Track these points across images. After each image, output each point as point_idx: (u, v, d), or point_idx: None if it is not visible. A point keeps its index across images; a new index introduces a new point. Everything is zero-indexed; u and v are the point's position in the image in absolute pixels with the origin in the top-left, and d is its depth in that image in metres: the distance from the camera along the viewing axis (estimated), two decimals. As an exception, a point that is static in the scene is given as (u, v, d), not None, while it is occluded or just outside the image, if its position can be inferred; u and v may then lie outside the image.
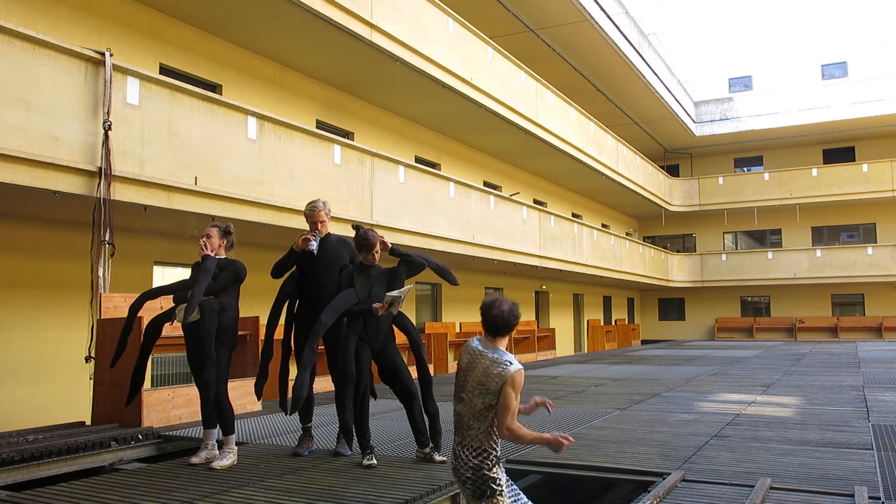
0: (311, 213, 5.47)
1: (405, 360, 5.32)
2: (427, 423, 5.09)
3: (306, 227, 5.60)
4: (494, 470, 2.91)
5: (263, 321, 6.07)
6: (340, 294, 4.92)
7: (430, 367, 13.22)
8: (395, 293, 4.96)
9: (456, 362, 5.53)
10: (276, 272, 5.48)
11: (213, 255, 5.10)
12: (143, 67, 7.62)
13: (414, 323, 14.59)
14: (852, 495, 4.02)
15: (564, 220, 18.58)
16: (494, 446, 2.93)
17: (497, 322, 2.98)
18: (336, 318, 4.83)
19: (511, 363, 2.88)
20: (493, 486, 2.89)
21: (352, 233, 5.31)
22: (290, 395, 5.77)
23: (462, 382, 2.99)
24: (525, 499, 3.03)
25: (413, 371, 5.23)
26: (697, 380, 11.36)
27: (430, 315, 16.52)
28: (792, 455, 5.23)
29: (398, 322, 5.29)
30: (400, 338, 5.50)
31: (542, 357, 18.44)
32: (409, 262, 5.14)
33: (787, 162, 29.76)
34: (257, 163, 8.77)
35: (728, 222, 29.88)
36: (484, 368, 2.91)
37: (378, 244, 5.13)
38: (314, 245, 5.28)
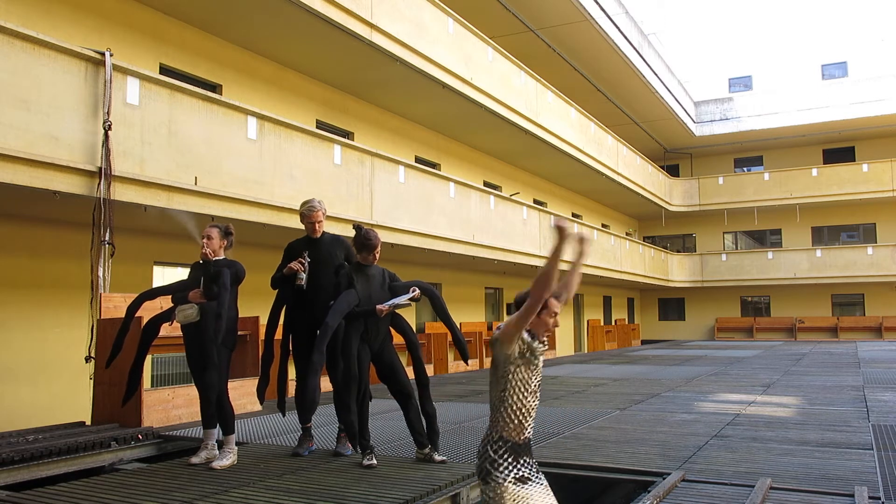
0: (309, 212, 5.43)
1: (402, 360, 5.32)
2: (425, 424, 5.09)
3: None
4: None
5: (263, 321, 6.07)
6: (342, 295, 4.91)
7: (430, 368, 13.25)
8: (404, 302, 4.96)
9: (456, 362, 5.57)
10: (274, 285, 5.49)
11: (213, 256, 5.09)
12: (143, 67, 7.62)
13: (415, 323, 14.48)
14: (852, 495, 4.02)
15: (564, 220, 18.55)
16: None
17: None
18: (340, 319, 4.82)
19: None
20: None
21: (346, 232, 5.30)
22: (289, 395, 5.78)
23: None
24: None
25: (410, 372, 5.23)
26: (697, 380, 11.36)
27: (431, 315, 16.52)
28: (792, 455, 5.23)
29: (396, 323, 5.28)
30: (397, 338, 5.49)
31: (542, 357, 18.41)
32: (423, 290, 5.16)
33: (787, 162, 29.76)
34: (257, 163, 8.77)
35: (728, 222, 29.89)
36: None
37: (380, 245, 5.12)
38: (303, 278, 5.24)
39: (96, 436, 5.94)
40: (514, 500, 2.69)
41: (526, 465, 2.77)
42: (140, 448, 6.09)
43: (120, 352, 5.28)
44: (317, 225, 5.43)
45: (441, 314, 5.25)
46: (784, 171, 28.38)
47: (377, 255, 5.13)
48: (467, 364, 6.04)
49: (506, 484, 2.70)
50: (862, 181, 26.79)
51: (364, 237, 5.05)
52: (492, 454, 2.75)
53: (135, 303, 5.24)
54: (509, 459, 2.74)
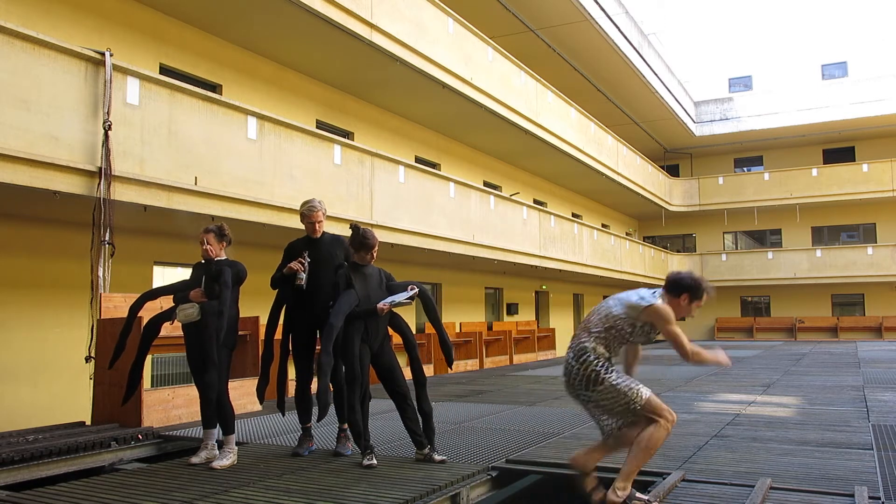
0: (310, 212, 5.44)
1: (399, 360, 5.32)
2: (422, 422, 5.09)
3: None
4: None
5: (263, 321, 6.07)
6: (343, 296, 4.91)
7: (430, 368, 13.24)
8: (404, 300, 4.97)
9: (456, 362, 5.74)
10: (274, 285, 5.49)
11: (215, 258, 5.11)
12: (143, 67, 7.63)
13: (414, 323, 14.39)
14: (852, 495, 4.02)
15: (564, 220, 18.58)
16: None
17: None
18: (343, 319, 4.83)
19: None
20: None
21: (346, 232, 5.30)
22: (288, 395, 5.78)
23: None
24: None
25: (408, 372, 5.23)
26: (697, 380, 11.36)
27: (430, 315, 16.51)
28: (792, 455, 5.22)
29: (394, 323, 5.29)
30: (395, 339, 5.50)
31: (542, 357, 18.44)
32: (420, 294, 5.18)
33: (787, 162, 29.76)
34: (257, 163, 8.77)
35: (728, 222, 29.89)
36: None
37: (377, 245, 5.13)
38: (303, 278, 5.25)
39: (96, 436, 5.94)
40: (613, 381, 3.84)
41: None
42: (140, 448, 6.09)
43: (123, 352, 5.29)
44: (317, 225, 5.45)
45: (430, 315, 5.26)
46: (784, 171, 28.38)
47: (374, 255, 5.14)
48: (450, 368, 6.04)
49: (606, 375, 3.86)
50: (862, 181, 26.79)
51: (361, 237, 5.06)
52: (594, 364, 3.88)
53: (137, 303, 5.23)
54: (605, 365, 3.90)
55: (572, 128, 18.94)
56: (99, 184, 6.80)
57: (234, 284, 5.09)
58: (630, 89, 23.14)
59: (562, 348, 21.48)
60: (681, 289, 3.89)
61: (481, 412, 7.69)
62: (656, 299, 3.89)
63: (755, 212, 28.97)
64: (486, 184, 17.79)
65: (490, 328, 17.79)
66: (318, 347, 5.14)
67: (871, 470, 4.69)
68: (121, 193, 7.02)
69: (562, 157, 18.87)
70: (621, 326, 3.95)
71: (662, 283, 4.08)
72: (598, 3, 18.17)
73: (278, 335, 5.51)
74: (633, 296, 3.98)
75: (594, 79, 21.71)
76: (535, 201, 20.29)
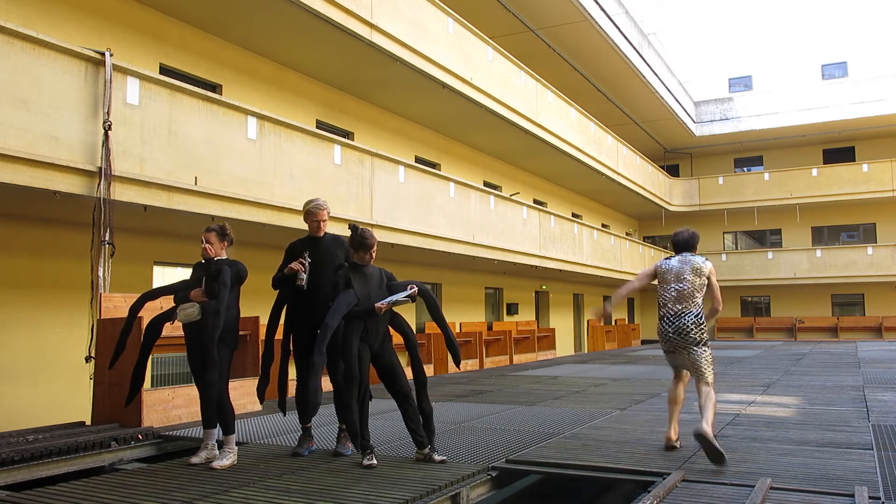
0: (316, 210, 5.46)
1: (400, 359, 5.31)
2: (421, 423, 5.09)
3: (305, 227, 5.59)
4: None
5: (263, 321, 6.07)
6: (341, 295, 4.91)
7: (430, 368, 13.24)
8: (402, 299, 4.97)
9: (455, 363, 5.86)
10: (275, 285, 5.49)
11: (214, 257, 5.11)
12: (143, 67, 7.63)
13: (414, 323, 14.40)
14: (852, 495, 4.01)
15: (564, 220, 18.58)
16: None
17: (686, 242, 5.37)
18: (340, 319, 4.83)
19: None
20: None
21: (345, 232, 5.30)
22: (289, 395, 5.78)
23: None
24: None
25: (408, 371, 5.23)
26: (697, 380, 11.34)
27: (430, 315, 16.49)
28: (792, 455, 5.22)
29: (395, 322, 5.29)
30: (396, 339, 5.50)
31: (542, 357, 18.44)
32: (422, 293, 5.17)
33: (787, 162, 29.77)
34: (257, 163, 8.77)
35: (728, 222, 29.90)
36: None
37: (376, 245, 5.13)
38: (303, 278, 5.26)
39: (96, 436, 5.94)
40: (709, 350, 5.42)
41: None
42: (140, 448, 6.09)
43: (123, 352, 5.29)
44: (321, 223, 5.47)
45: (434, 314, 5.26)
46: (784, 171, 28.39)
47: (373, 255, 5.14)
48: (458, 367, 6.05)
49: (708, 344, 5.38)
50: (862, 181, 26.81)
51: (360, 237, 5.06)
52: (703, 327, 5.18)
53: (137, 303, 5.23)
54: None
55: (572, 128, 18.94)
56: (99, 184, 6.80)
57: (235, 284, 5.09)
58: (630, 89, 23.14)
59: (561, 349, 21.51)
60: (696, 242, 5.37)
61: (481, 412, 7.69)
62: (704, 259, 5.20)
63: (755, 212, 28.98)
64: (486, 184, 17.79)
65: (490, 328, 17.79)
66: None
67: (871, 470, 4.69)
68: (121, 193, 7.02)
69: (562, 157, 18.88)
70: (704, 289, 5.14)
71: (673, 247, 5.26)
72: (598, 3, 18.17)
73: (279, 335, 5.51)
74: (692, 265, 5.19)
75: (594, 79, 21.72)
76: (535, 201, 20.29)
